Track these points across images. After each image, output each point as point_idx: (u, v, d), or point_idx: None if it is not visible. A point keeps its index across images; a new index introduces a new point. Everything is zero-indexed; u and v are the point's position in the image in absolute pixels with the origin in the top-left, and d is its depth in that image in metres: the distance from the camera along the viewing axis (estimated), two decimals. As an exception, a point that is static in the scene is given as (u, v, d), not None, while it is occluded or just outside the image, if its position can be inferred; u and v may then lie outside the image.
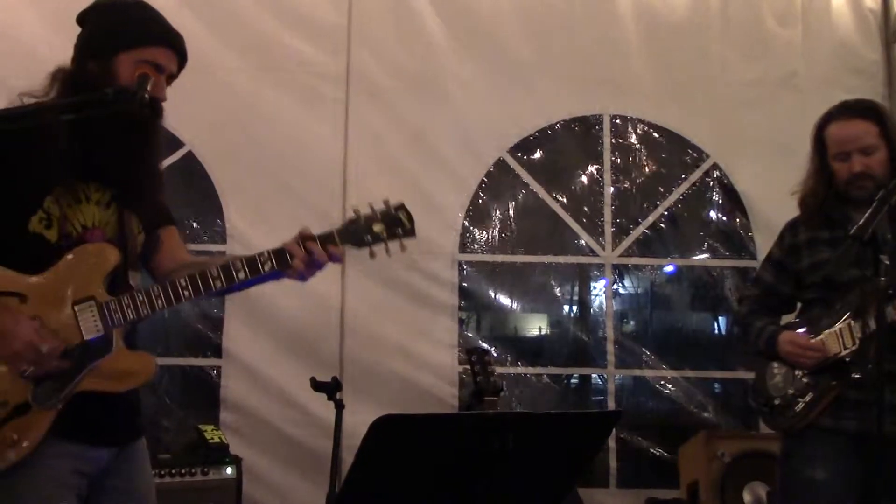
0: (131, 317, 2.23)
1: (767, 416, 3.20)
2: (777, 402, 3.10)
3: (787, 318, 3.30)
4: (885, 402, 2.90)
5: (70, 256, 2.24)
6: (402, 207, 2.36)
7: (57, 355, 2.17)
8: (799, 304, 3.30)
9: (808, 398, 3.03)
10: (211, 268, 2.27)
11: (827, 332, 3.04)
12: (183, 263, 2.47)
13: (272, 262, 2.27)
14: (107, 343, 2.23)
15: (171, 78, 2.40)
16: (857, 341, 2.98)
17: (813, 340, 3.03)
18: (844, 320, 3.01)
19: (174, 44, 2.38)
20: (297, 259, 2.27)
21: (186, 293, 2.25)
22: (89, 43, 2.35)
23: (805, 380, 3.05)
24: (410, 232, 2.35)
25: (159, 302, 2.24)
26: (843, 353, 2.99)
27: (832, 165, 3.11)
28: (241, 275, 2.26)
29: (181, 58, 2.41)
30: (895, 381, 2.91)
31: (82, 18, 2.41)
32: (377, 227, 2.33)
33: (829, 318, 3.05)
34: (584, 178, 5.18)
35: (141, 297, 2.23)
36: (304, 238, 2.29)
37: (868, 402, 2.93)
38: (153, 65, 2.32)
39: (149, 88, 2.15)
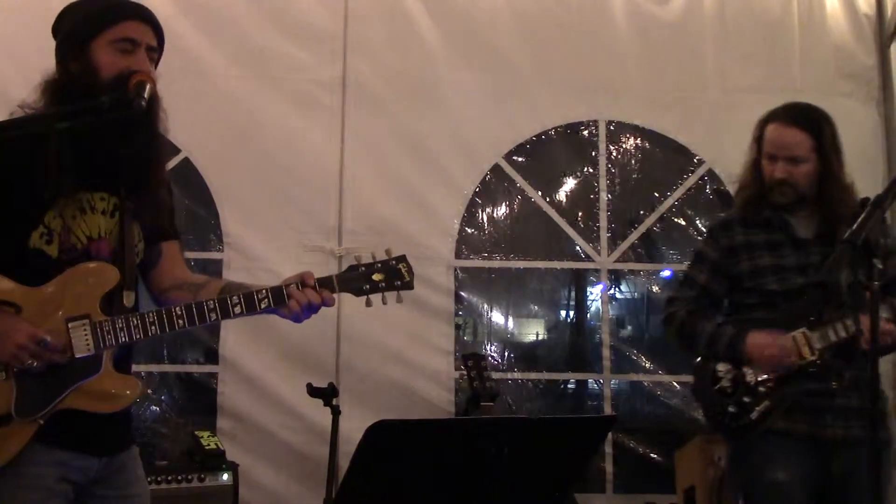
0: (123, 340, 2.23)
1: (717, 421, 3.20)
2: (731, 409, 3.10)
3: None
4: (839, 405, 3.00)
5: (69, 272, 2.24)
6: (403, 259, 2.39)
7: (59, 348, 2.17)
8: (726, 304, 3.32)
9: (763, 406, 3.05)
10: (208, 300, 2.27)
11: (784, 337, 3.06)
12: (179, 283, 2.47)
13: (269, 300, 2.28)
14: (95, 363, 2.22)
15: (153, 51, 2.36)
16: (817, 351, 3.01)
17: (783, 341, 3.04)
18: (800, 329, 3.04)
19: (142, 15, 2.36)
20: (294, 301, 2.28)
21: (181, 322, 2.25)
22: (64, 45, 2.35)
23: (761, 388, 3.07)
24: (409, 284, 2.38)
25: (153, 328, 2.24)
26: (802, 362, 3.02)
27: (762, 162, 3.17)
28: (238, 310, 2.27)
29: (155, 29, 2.38)
30: (855, 388, 2.99)
31: (55, 28, 2.41)
32: (377, 277, 2.36)
33: (779, 324, 3.07)
34: (580, 184, 5.18)
35: (135, 322, 2.23)
36: (304, 282, 2.30)
37: (821, 407, 3.01)
38: (127, 40, 2.30)
39: (145, 95, 2.16)
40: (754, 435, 3.06)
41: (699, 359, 3.27)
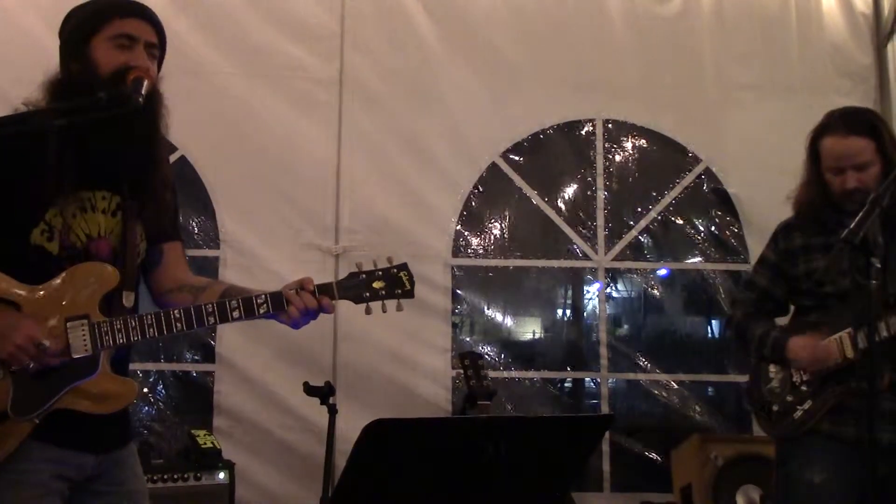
0: (121, 341, 2.22)
1: (765, 421, 3.21)
2: (775, 408, 3.11)
3: (779, 321, 3.31)
4: (887, 409, 2.92)
5: (69, 272, 2.23)
6: (404, 267, 2.37)
7: (57, 352, 2.17)
8: (791, 307, 3.32)
9: (807, 406, 3.04)
10: (206, 304, 2.26)
11: (827, 340, 3.04)
12: (180, 285, 2.46)
13: (268, 305, 2.27)
14: (93, 364, 2.21)
15: (153, 48, 2.35)
16: (861, 351, 2.97)
17: (824, 343, 3.01)
18: (846, 329, 3.01)
19: (140, 12, 2.35)
20: (293, 307, 2.26)
21: (179, 325, 2.24)
22: (67, 45, 2.36)
23: (804, 387, 3.06)
24: (409, 293, 2.36)
25: (151, 331, 2.23)
26: (845, 361, 2.99)
27: (825, 176, 3.12)
28: (236, 314, 2.26)
29: (155, 26, 2.37)
30: None
31: (60, 30, 2.41)
32: (377, 285, 2.34)
33: (830, 325, 3.05)
34: (577, 183, 5.18)
35: (133, 324, 2.22)
36: (303, 288, 2.29)
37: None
38: (126, 37, 2.29)
39: (143, 92, 2.15)
40: (798, 435, 3.05)
41: (754, 360, 3.28)
